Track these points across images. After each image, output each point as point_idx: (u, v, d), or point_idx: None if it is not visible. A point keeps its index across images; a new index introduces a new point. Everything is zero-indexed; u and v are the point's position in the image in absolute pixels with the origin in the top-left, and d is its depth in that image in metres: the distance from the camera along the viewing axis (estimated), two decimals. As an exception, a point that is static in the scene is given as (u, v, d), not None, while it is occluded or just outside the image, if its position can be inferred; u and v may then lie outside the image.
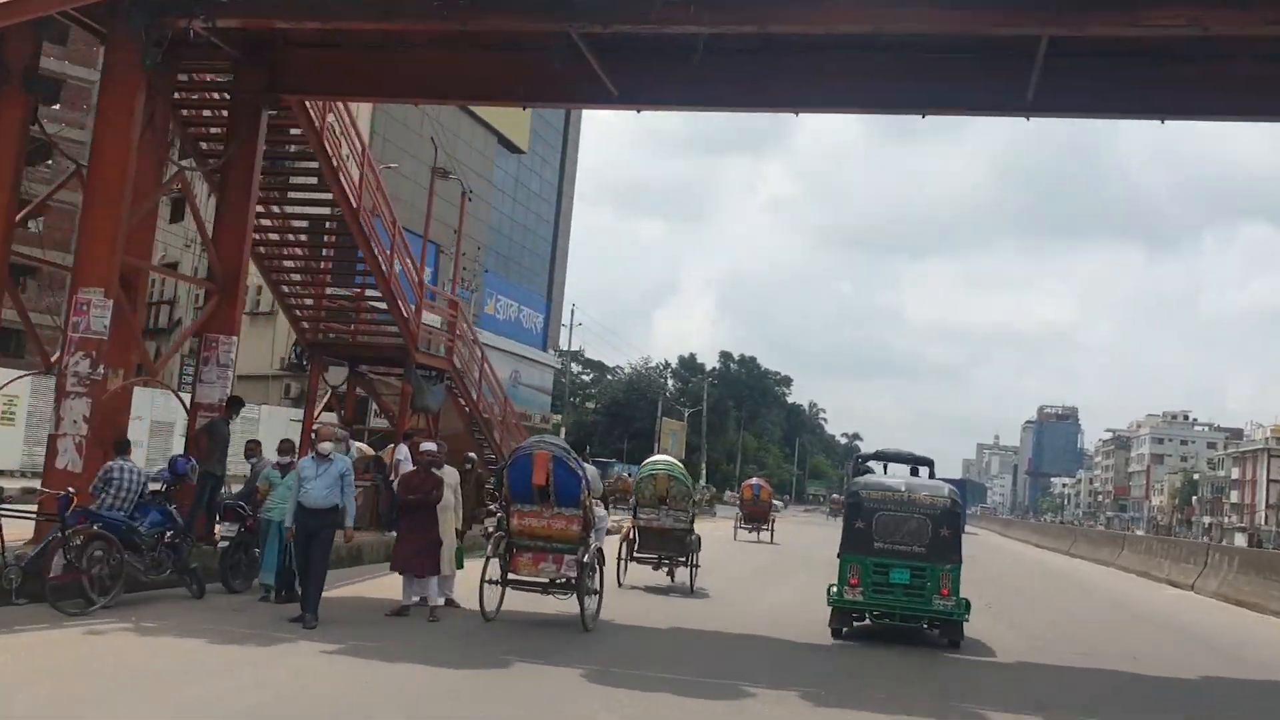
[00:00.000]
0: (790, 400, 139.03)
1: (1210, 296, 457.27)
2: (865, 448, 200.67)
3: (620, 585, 14.32)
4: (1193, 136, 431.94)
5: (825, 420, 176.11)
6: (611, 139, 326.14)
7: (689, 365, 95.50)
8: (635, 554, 15.19)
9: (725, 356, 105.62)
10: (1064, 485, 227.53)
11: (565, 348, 54.61)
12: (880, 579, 10.79)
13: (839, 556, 11.22)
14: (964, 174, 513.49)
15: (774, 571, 20.60)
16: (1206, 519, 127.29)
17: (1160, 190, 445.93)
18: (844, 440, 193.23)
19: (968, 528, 47.42)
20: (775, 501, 36.87)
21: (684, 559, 15.07)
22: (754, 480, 33.17)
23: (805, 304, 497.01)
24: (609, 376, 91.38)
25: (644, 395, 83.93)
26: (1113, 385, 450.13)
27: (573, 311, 59.70)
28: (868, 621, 11.28)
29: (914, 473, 15.95)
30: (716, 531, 29.23)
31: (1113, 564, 29.07)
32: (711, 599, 14.71)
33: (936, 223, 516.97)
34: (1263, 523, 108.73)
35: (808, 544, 27.98)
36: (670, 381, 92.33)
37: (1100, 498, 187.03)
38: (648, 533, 15.22)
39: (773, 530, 29.39)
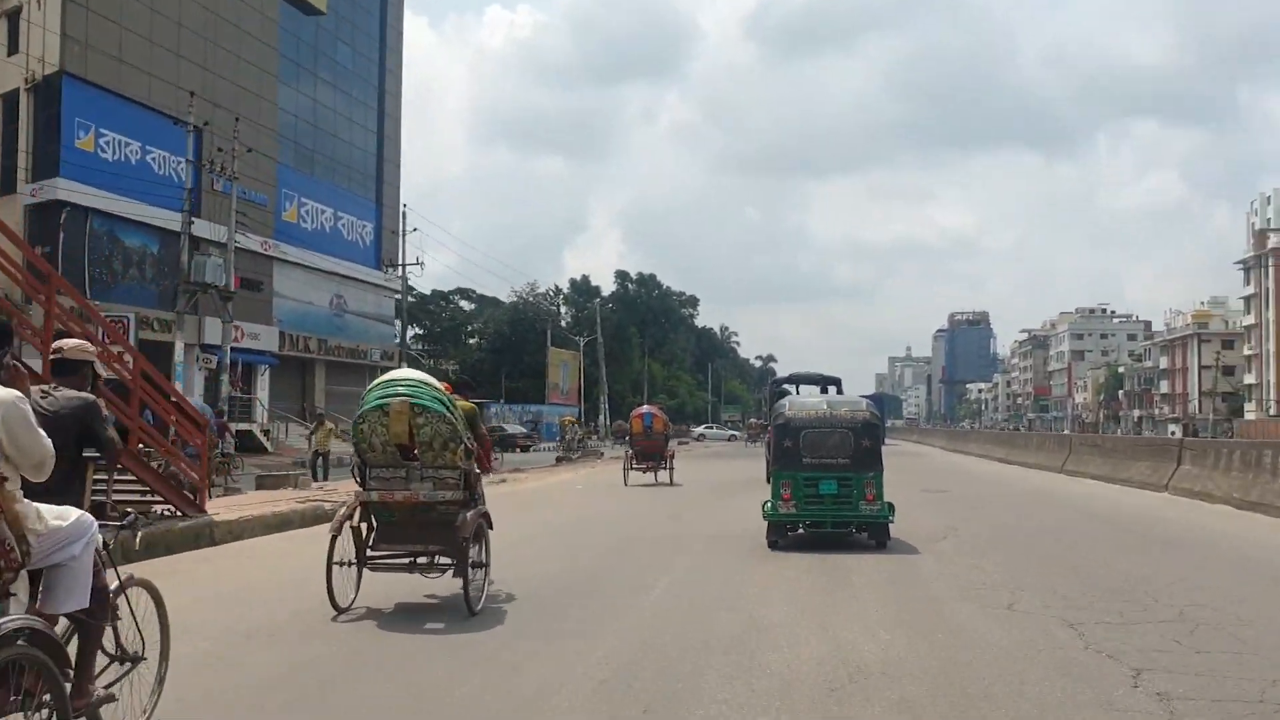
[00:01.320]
0: (700, 325, 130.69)
1: (1105, 195, 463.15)
2: (780, 370, 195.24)
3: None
4: (1084, 38, 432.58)
5: (738, 344, 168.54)
6: (499, 71, 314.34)
7: (583, 289, 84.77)
8: (369, 557, 7.91)
9: (622, 277, 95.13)
10: (980, 391, 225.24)
11: (408, 264, 43.57)
12: (810, 491, 11.38)
13: (773, 474, 11.93)
14: (861, 88, 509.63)
15: (661, 547, 12.00)
16: (1135, 412, 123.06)
17: (1054, 94, 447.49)
18: (758, 364, 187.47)
19: (888, 440, 49.21)
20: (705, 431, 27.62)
21: (460, 560, 7.75)
22: (644, 408, 25.27)
23: (712, 232, 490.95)
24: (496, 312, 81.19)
25: (533, 326, 74.19)
26: (1019, 289, 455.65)
27: (404, 215, 46.88)
28: (800, 531, 11.61)
29: (824, 391, 16.55)
30: (599, 476, 25.87)
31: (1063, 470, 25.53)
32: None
33: (837, 139, 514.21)
34: (1196, 411, 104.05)
35: (719, 483, 23.29)
36: (564, 309, 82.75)
37: (1019, 400, 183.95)
38: (382, 516, 7.91)
39: (671, 469, 23.26)
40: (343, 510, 7.86)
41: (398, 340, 50.66)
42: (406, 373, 8.00)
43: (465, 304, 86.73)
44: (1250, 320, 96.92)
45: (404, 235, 45.93)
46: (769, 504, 11.57)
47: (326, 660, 6.20)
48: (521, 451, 45.84)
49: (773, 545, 11.41)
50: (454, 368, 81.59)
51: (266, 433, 36.29)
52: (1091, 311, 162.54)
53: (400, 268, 45.99)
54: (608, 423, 66.91)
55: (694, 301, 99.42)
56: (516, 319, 74.48)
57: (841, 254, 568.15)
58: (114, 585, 4.35)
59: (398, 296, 50.37)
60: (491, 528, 8.21)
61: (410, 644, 6.66)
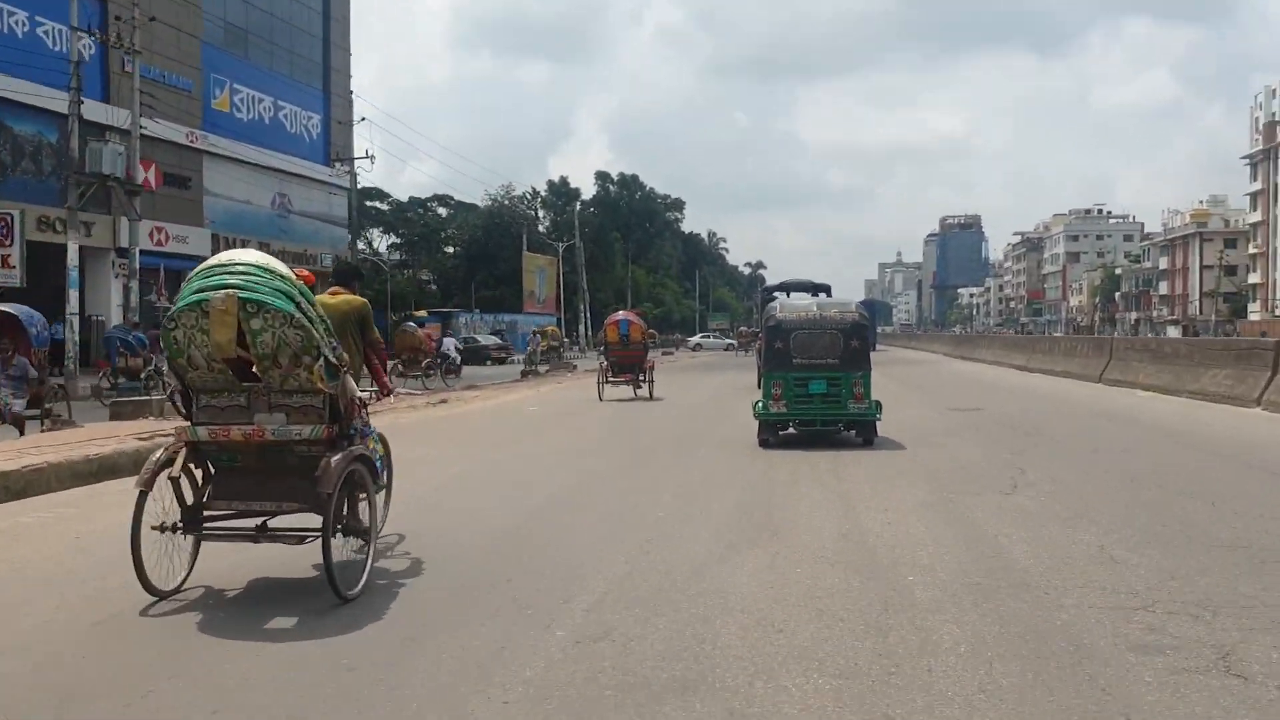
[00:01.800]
0: (686, 230, 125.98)
1: (1098, 95, 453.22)
2: (769, 276, 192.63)
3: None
4: None
5: (726, 250, 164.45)
6: None
7: (561, 192, 79.59)
8: (204, 519, 5.45)
9: (602, 178, 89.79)
10: (971, 296, 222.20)
11: (358, 157, 38.90)
12: (800, 391, 11.57)
13: (763, 375, 12.23)
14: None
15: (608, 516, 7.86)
16: (1133, 314, 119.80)
17: None
18: (747, 270, 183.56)
19: (880, 346, 49.79)
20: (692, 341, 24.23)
21: (340, 526, 5.40)
22: (619, 315, 22.80)
23: (701, 138, 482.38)
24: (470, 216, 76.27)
25: (508, 231, 69.58)
26: (1011, 191, 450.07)
27: (354, 103, 41.99)
28: (791, 430, 11.80)
29: (814, 298, 15.81)
30: (567, 393, 23.17)
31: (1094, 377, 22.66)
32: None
33: (827, 41, 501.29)
34: (1198, 312, 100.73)
35: (703, 400, 20.77)
36: (541, 213, 78.03)
37: (1013, 304, 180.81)
38: (219, 460, 5.48)
39: (651, 383, 21.10)
40: (159, 454, 5.33)
41: (349, 242, 46.30)
42: (241, 254, 5.30)
43: (443, 210, 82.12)
44: (1256, 217, 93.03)
45: (355, 126, 41.27)
46: (760, 404, 11.88)
47: (109, 676, 4.11)
48: (495, 364, 42.60)
49: (763, 444, 11.63)
50: (426, 277, 77.37)
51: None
52: (1087, 212, 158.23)
53: (349, 162, 41.40)
54: (589, 333, 63.04)
55: (679, 205, 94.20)
56: (491, 224, 69.80)
57: (832, 159, 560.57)
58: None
59: (342, 188, 45.71)
60: (384, 473, 6.30)
61: (234, 648, 4.46)
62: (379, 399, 6.51)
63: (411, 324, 28.83)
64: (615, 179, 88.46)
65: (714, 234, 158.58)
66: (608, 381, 20.82)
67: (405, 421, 15.99)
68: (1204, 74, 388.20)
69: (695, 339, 79.47)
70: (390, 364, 20.34)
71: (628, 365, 20.87)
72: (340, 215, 47.53)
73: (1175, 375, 18.61)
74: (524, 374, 32.05)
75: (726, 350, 64.95)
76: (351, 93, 42.94)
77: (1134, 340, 28.78)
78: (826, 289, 22.98)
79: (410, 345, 25.03)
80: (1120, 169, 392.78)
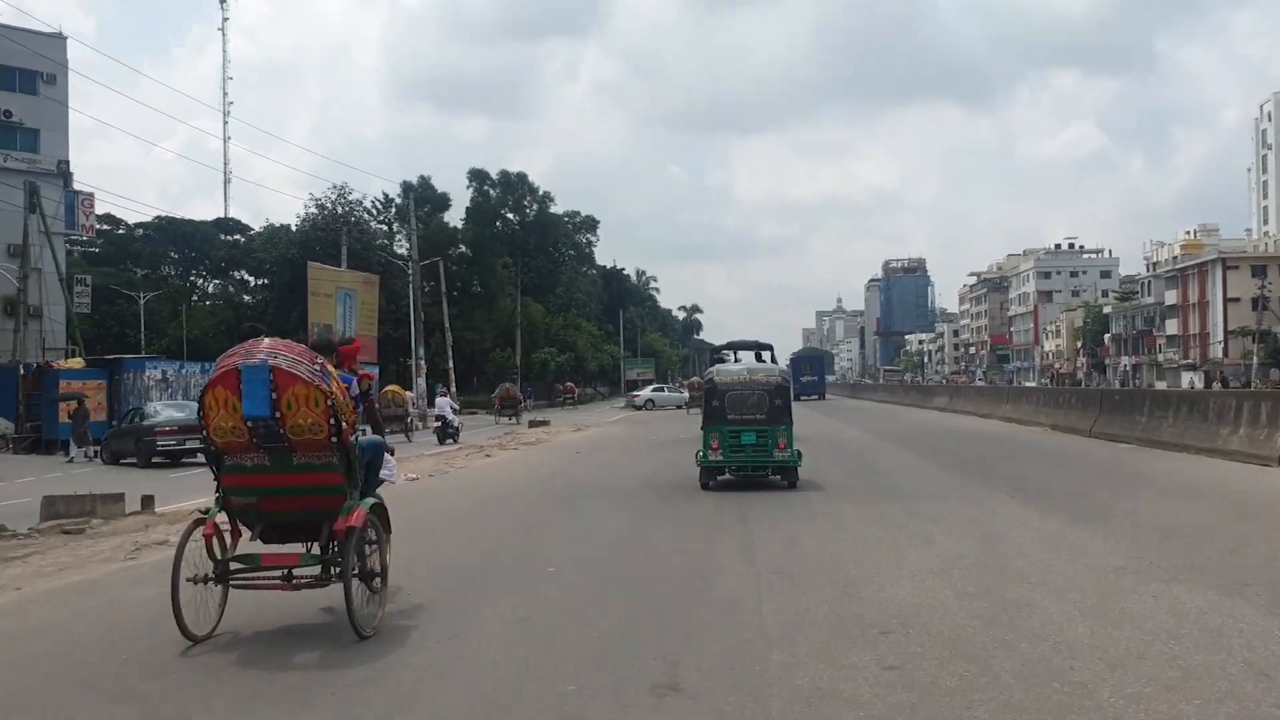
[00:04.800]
0: (605, 263, 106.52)
1: (1025, 145, 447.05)
2: (705, 320, 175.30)
3: None
4: None
5: (658, 291, 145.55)
6: (416, 29, 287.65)
7: (425, 197, 58.41)
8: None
9: (478, 178, 67.79)
10: (921, 342, 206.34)
11: None
12: (734, 441, 13.87)
13: (702, 429, 14.39)
14: (785, 44, 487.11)
15: None
16: (1127, 359, 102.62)
17: (975, 45, 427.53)
18: (681, 315, 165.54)
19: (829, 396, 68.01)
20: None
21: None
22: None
23: (636, 190, 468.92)
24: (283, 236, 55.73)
25: (334, 246, 49.28)
26: (943, 242, 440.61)
27: None
28: (728, 475, 14.18)
29: (758, 356, 17.40)
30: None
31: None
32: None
33: (761, 95, 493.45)
34: (1222, 355, 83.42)
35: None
36: (395, 227, 58.06)
37: (972, 350, 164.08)
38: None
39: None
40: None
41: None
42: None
43: (238, 236, 63.31)
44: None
45: None
46: (700, 452, 14.30)
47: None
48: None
49: (704, 486, 14.08)
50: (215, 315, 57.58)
51: None
52: (1057, 247, 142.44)
53: None
54: (452, 386, 43.00)
55: (591, 225, 73.87)
56: (309, 240, 49.72)
57: (766, 211, 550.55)
58: None
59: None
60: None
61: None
62: None
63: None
64: (495, 179, 67.77)
65: (643, 272, 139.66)
66: None
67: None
68: (1127, 124, 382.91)
69: (645, 392, 59.82)
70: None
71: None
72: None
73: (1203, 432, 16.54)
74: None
75: (679, 409, 46.03)
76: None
77: (1128, 392, 26.20)
78: (769, 348, 20.70)
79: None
80: (1048, 218, 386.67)
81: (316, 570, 6.26)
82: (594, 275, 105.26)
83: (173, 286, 63.43)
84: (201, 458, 20.90)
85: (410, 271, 42.71)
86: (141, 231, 70.29)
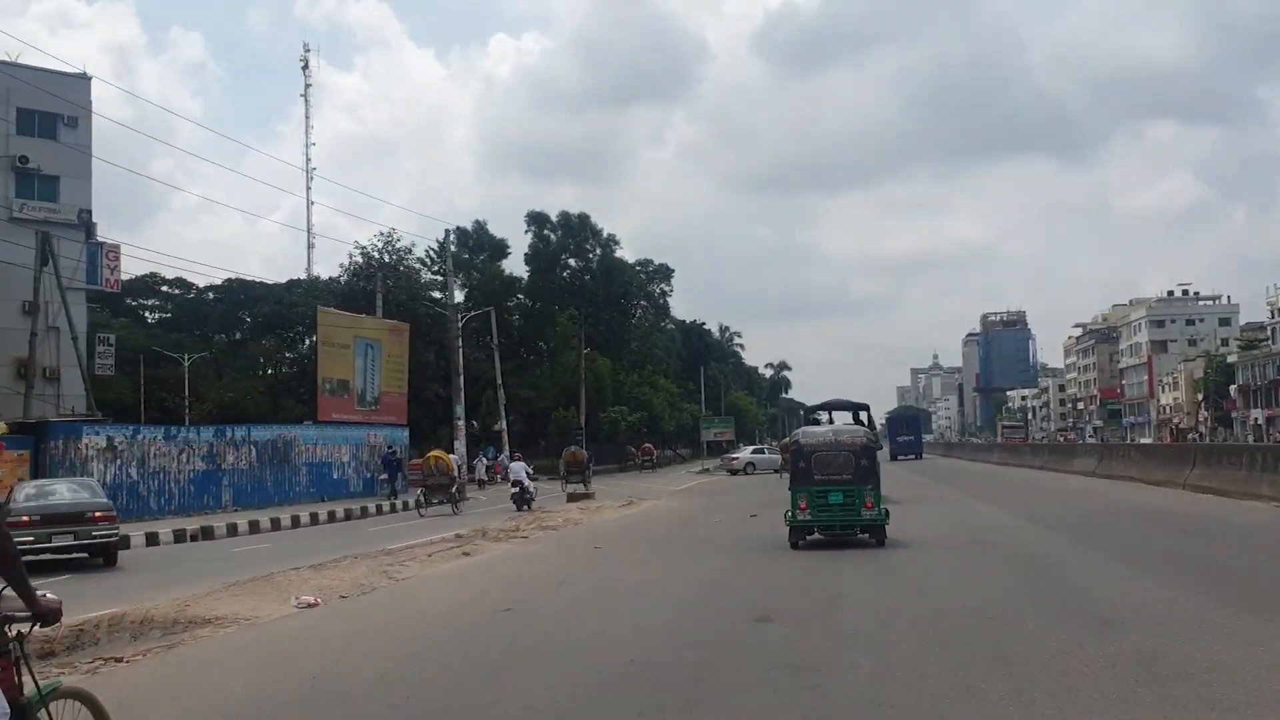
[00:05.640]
0: (684, 319, 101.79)
1: (1121, 198, 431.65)
2: (794, 379, 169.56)
3: None
4: (1095, 39, 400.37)
5: (742, 348, 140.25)
6: (507, 101, 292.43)
7: (480, 243, 53.95)
8: None
9: (537, 221, 62.47)
10: (1023, 398, 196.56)
11: None
12: (821, 501, 14.14)
13: (790, 489, 14.79)
14: (872, 102, 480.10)
15: None
16: (1257, 412, 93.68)
17: (1067, 98, 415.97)
18: (769, 372, 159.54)
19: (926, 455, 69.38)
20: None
21: None
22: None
23: (724, 252, 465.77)
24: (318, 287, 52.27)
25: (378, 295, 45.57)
26: (1038, 298, 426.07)
27: None
28: (817, 535, 14.34)
29: (855, 416, 18.41)
30: None
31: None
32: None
33: (848, 154, 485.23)
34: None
35: None
36: (455, 278, 54.32)
37: (1080, 405, 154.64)
38: None
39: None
40: None
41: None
42: None
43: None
44: None
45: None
46: (789, 512, 14.60)
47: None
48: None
49: (794, 545, 14.42)
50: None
51: None
52: (1170, 294, 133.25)
53: None
54: (504, 451, 38.74)
55: (665, 274, 68.83)
56: (352, 291, 46.13)
57: (856, 269, 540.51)
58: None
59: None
60: None
61: None
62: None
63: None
64: (555, 221, 63.44)
65: (727, 328, 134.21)
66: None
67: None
68: (1228, 174, 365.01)
69: (745, 454, 54.53)
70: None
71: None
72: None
73: None
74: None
75: (776, 474, 41.39)
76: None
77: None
78: (865, 408, 21.36)
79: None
80: (1146, 271, 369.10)
81: None
82: (672, 330, 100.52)
83: (218, 347, 60.73)
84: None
85: (453, 320, 38.74)
86: (212, 295, 68.41)
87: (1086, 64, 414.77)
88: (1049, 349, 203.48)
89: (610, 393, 60.10)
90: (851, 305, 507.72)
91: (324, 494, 32.49)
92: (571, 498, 27.08)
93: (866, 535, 14.26)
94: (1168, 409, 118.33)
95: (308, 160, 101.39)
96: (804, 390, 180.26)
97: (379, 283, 41.15)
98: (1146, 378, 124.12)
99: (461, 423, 37.19)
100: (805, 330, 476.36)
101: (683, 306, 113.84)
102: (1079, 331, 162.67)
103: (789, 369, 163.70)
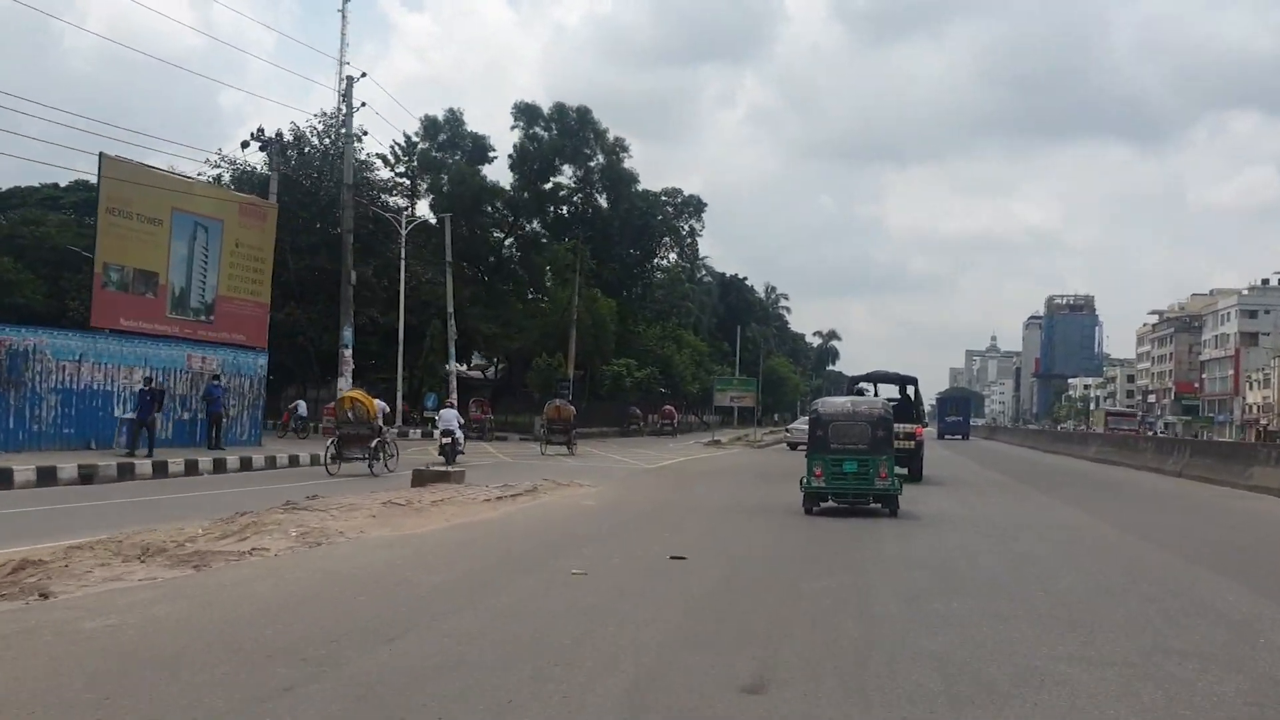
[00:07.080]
0: (718, 268, 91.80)
1: (1197, 189, 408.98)
2: (843, 350, 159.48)
3: None
4: (1182, 24, 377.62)
5: (788, 310, 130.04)
6: (575, 51, 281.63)
7: (454, 141, 42.52)
8: None
9: (526, 113, 49.83)
10: (1086, 388, 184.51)
11: None
12: (836, 469, 14.45)
13: (806, 457, 15.12)
14: (947, 75, 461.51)
15: None
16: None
17: (1149, 83, 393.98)
18: (816, 340, 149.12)
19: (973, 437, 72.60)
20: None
21: None
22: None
23: (785, 219, 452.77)
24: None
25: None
26: (1102, 288, 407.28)
27: None
28: (830, 502, 14.57)
29: (902, 390, 18.83)
30: None
31: None
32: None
33: (919, 128, 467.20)
34: None
35: None
36: (416, 182, 44.27)
37: (1151, 398, 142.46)
38: None
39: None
40: None
41: None
42: None
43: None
44: None
45: None
46: (805, 479, 14.81)
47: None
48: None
49: (808, 511, 14.64)
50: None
51: None
52: (1265, 282, 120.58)
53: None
54: (441, 400, 29.94)
55: (696, 207, 57.87)
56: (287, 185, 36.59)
57: (917, 245, 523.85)
58: None
59: None
60: None
61: None
62: None
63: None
64: (546, 114, 49.86)
65: (773, 288, 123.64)
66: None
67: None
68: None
69: (797, 424, 45.02)
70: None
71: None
72: None
73: None
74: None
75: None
76: None
77: None
78: (914, 381, 21.96)
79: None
80: (1217, 265, 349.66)
81: None
82: (709, 282, 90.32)
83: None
84: None
85: (346, 205, 28.18)
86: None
87: (1171, 48, 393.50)
88: (1111, 340, 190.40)
89: (613, 342, 50.54)
90: (909, 282, 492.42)
91: (89, 438, 22.82)
92: (418, 479, 16.92)
93: (879, 505, 14.70)
94: (1254, 408, 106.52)
95: (346, 80, 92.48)
96: (851, 363, 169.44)
97: (275, 162, 31.10)
98: (1232, 372, 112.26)
99: (349, 351, 27.16)
100: (859, 305, 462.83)
101: (732, 269, 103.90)
102: (1154, 319, 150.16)
103: (838, 339, 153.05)
